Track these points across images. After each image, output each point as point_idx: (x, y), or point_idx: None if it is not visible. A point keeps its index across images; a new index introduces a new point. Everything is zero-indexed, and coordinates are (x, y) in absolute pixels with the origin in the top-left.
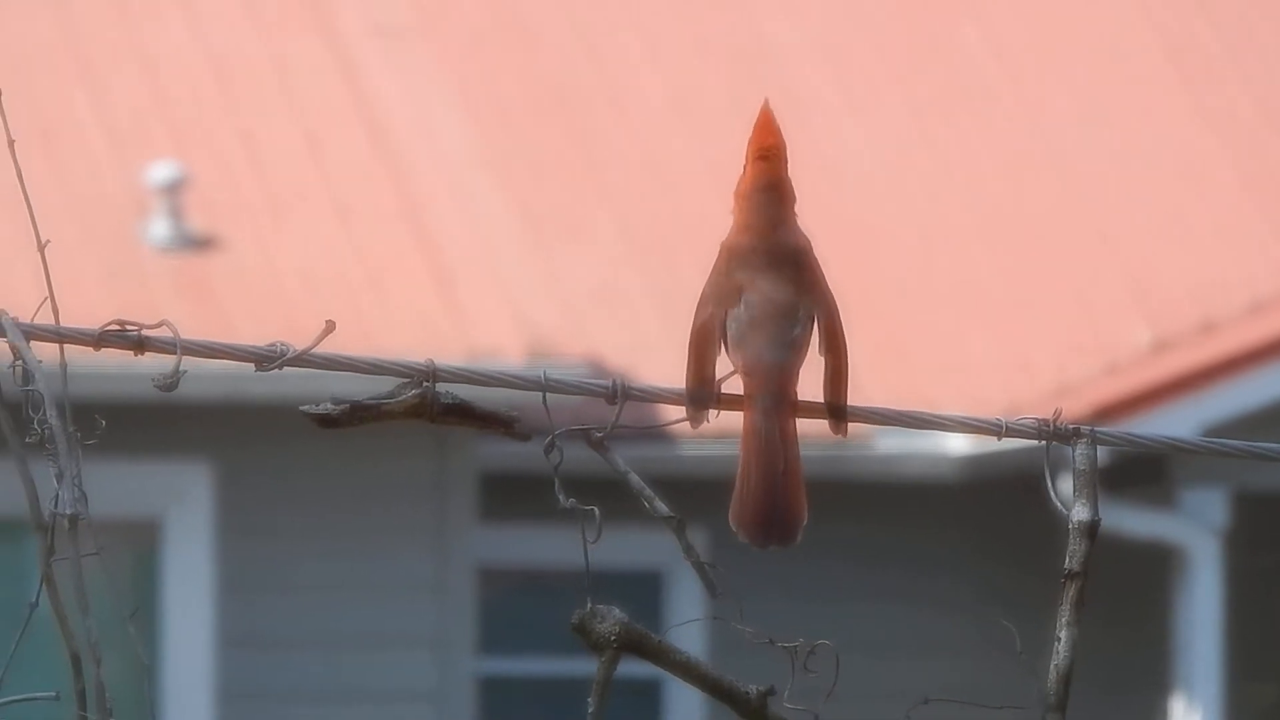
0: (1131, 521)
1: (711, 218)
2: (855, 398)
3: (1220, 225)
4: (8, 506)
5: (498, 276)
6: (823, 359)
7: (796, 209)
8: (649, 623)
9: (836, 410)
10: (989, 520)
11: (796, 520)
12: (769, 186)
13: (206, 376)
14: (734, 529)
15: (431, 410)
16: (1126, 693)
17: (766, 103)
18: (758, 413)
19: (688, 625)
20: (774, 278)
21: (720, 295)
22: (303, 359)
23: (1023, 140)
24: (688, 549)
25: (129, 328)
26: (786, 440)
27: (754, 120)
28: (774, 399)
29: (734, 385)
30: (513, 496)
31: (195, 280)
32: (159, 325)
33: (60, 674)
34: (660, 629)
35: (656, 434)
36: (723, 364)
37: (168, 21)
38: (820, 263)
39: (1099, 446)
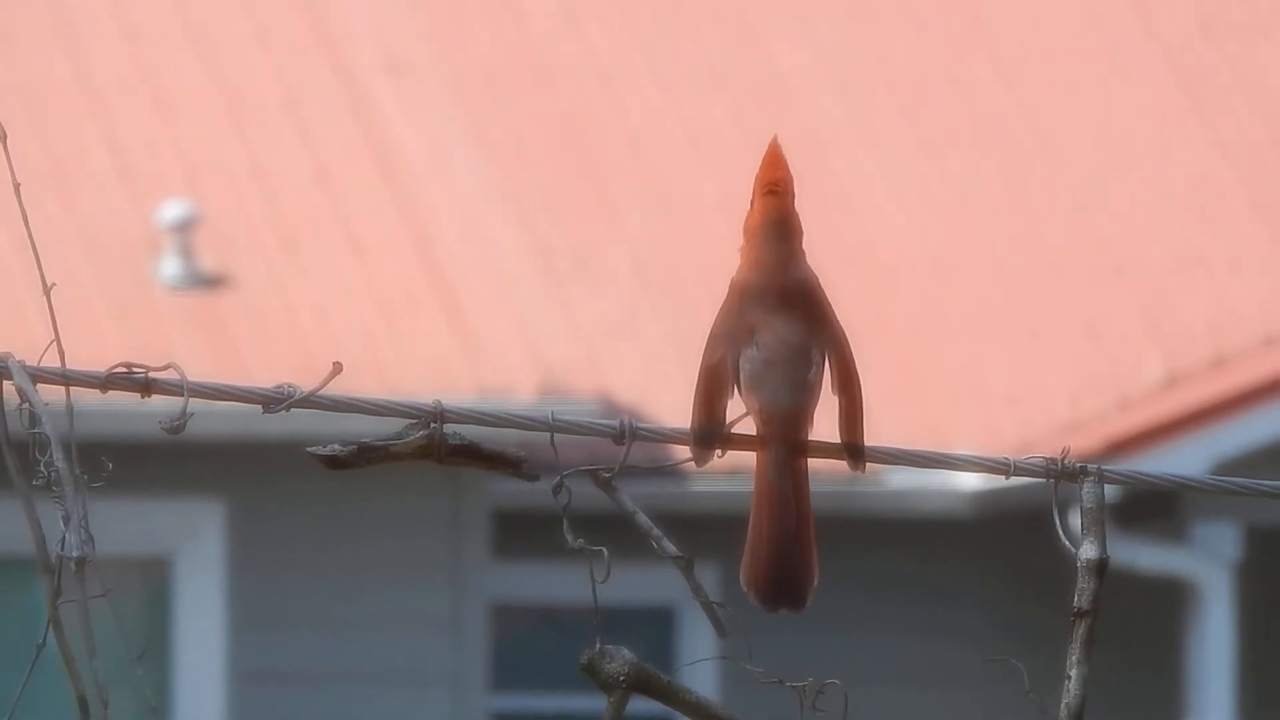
0: (1144, 556)
1: (726, 254)
2: (867, 430)
3: (1234, 258)
4: (17, 545)
5: (511, 313)
6: (837, 398)
7: (804, 243)
8: (661, 660)
9: (854, 450)
10: (1002, 555)
11: (806, 585)
12: (777, 222)
13: (218, 414)
14: (745, 590)
15: (439, 451)
16: None
17: (775, 139)
18: (771, 466)
19: (701, 663)
20: (786, 317)
21: (732, 335)
22: (310, 400)
23: (1036, 173)
24: (696, 588)
25: (136, 370)
26: (800, 497)
27: (768, 147)
28: (788, 447)
29: (744, 425)
30: (526, 533)
31: (207, 318)
32: (166, 368)
33: (71, 715)
34: (673, 666)
35: (667, 471)
36: (734, 405)
37: (180, 58)
38: (830, 298)
39: (1109, 483)
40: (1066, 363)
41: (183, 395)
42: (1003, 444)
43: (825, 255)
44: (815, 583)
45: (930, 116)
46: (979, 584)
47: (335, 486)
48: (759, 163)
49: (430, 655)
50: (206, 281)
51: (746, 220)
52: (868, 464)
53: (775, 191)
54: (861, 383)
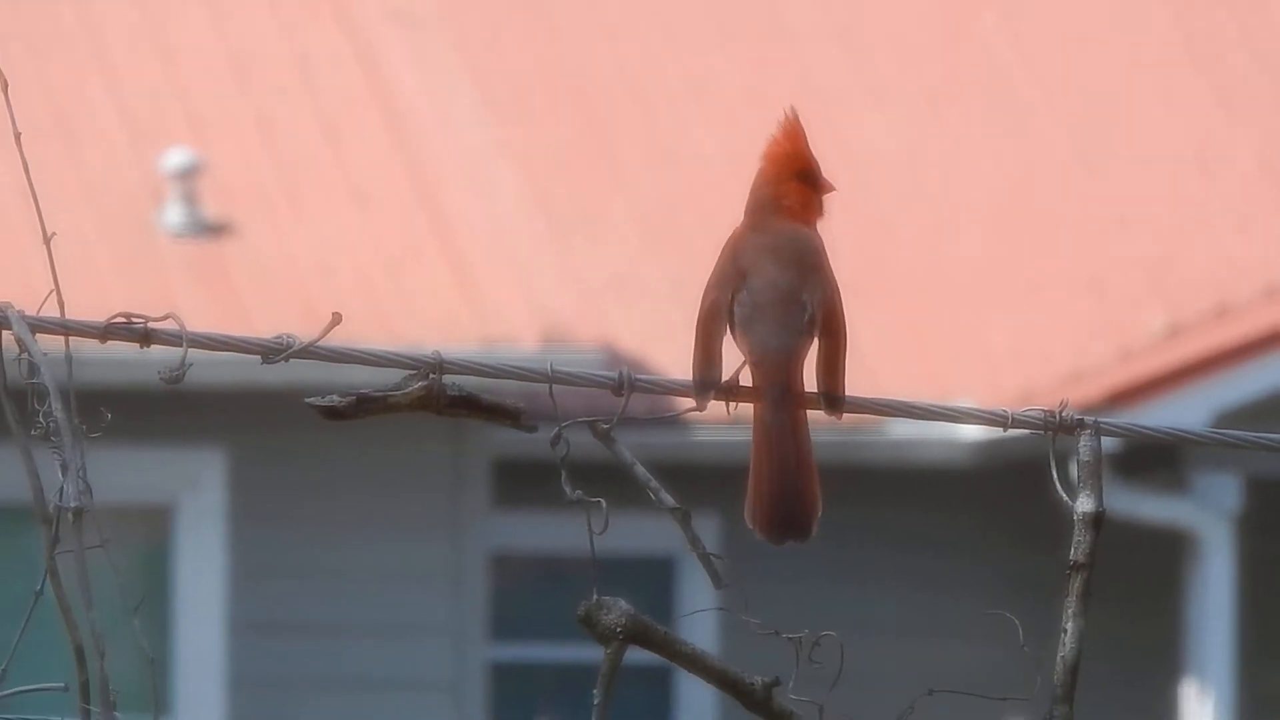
0: (1144, 507)
1: (728, 206)
2: (870, 383)
3: (1237, 210)
4: (16, 494)
5: (514, 264)
6: (819, 342)
7: (819, 213)
8: (660, 610)
9: (831, 396)
10: (1003, 505)
11: (811, 515)
12: (776, 184)
13: (219, 363)
14: (750, 526)
15: (438, 402)
16: (1139, 677)
17: (791, 110)
18: (767, 406)
19: (698, 614)
20: (778, 263)
21: (725, 280)
22: (309, 351)
23: (1039, 127)
24: (693, 540)
25: (135, 320)
26: (798, 433)
27: (769, 113)
28: (781, 390)
29: (744, 375)
30: (527, 483)
31: (210, 267)
32: (165, 318)
33: (69, 664)
34: (672, 615)
35: (667, 421)
36: (729, 348)
37: (186, 8)
38: (826, 252)
39: (1106, 435)
40: (1069, 314)
41: (182, 345)
42: (1004, 395)
43: (830, 210)
44: (819, 512)
45: (935, 70)
46: (979, 534)
47: (336, 436)
48: (766, 116)
49: (430, 605)
50: (210, 230)
51: (752, 186)
52: (847, 412)
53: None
54: (847, 332)
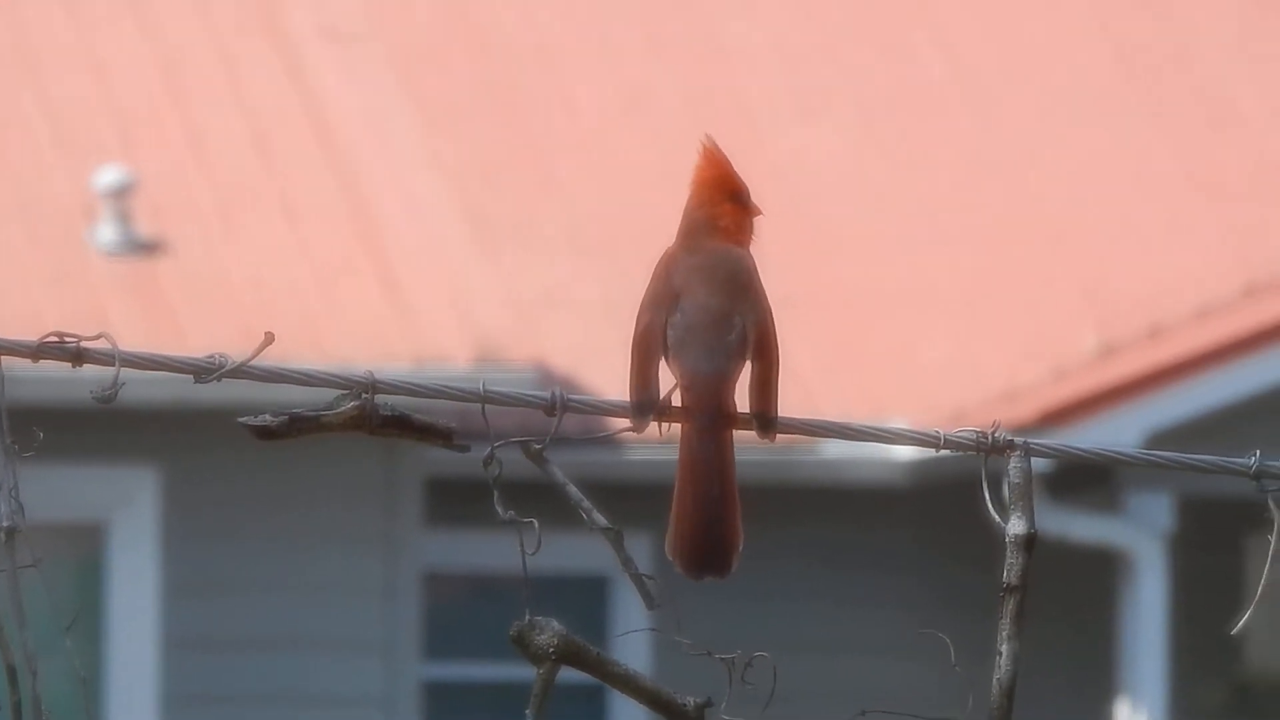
0: (1077, 526)
1: (662, 221)
2: (804, 401)
3: (1170, 229)
4: None
5: (447, 280)
6: (751, 364)
7: (751, 234)
8: (595, 629)
9: (763, 418)
10: (938, 524)
11: (730, 553)
12: (706, 207)
13: (152, 381)
14: (670, 558)
15: (370, 422)
16: (1073, 695)
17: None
18: (695, 434)
19: (633, 633)
20: (710, 285)
21: (658, 302)
22: (241, 371)
23: (973, 144)
24: (625, 560)
25: (67, 339)
26: (723, 467)
27: (704, 128)
28: (710, 416)
29: (677, 394)
30: (460, 501)
31: (143, 284)
32: (97, 337)
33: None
34: (606, 635)
35: (601, 441)
36: (665, 370)
37: (117, 22)
38: (759, 275)
39: (1036, 456)
40: (1003, 332)
41: (114, 365)
42: (939, 413)
43: (760, 223)
44: (739, 549)
45: (868, 86)
46: (914, 553)
47: (270, 453)
48: (699, 130)
49: (363, 623)
50: (143, 247)
51: (684, 210)
52: (780, 433)
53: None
54: (779, 353)
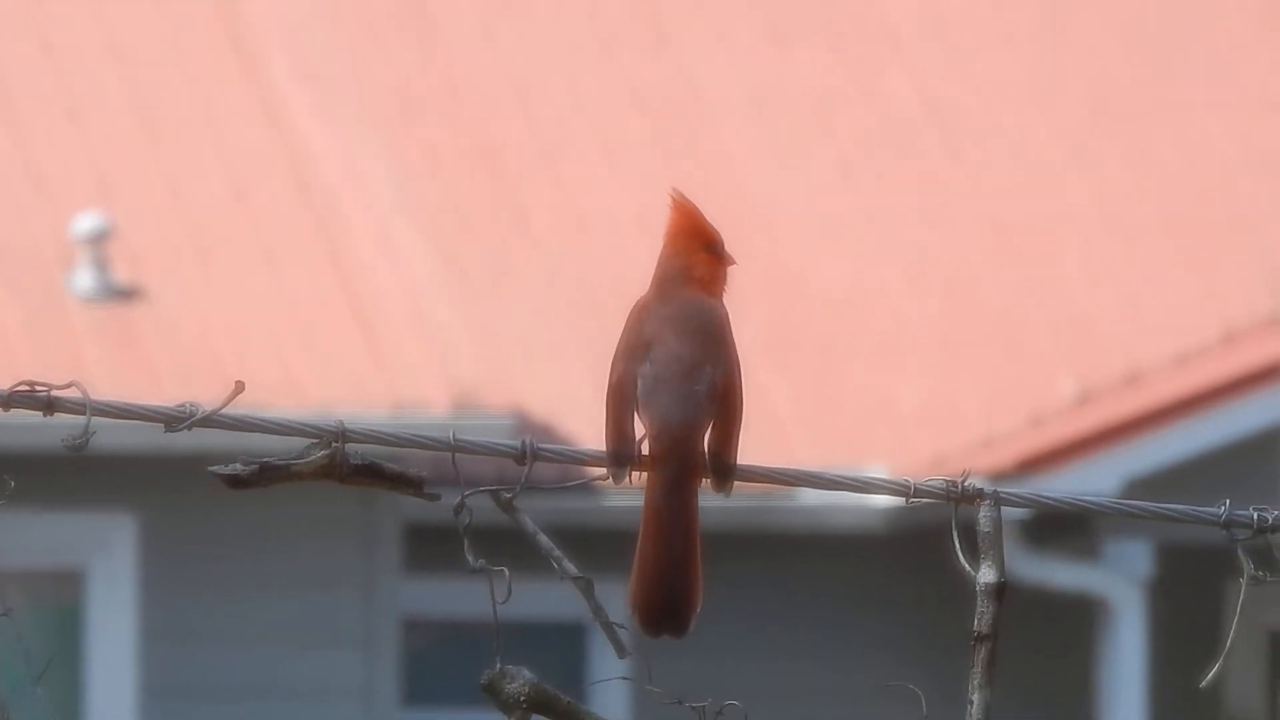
0: (1056, 573)
1: (639, 269)
2: (782, 448)
3: (1148, 277)
4: None
5: (424, 327)
6: (715, 416)
7: (724, 284)
8: (571, 676)
9: (721, 469)
10: (917, 571)
11: (689, 613)
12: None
13: (127, 427)
14: (629, 613)
15: (341, 471)
16: None
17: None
18: (659, 488)
19: (606, 681)
20: (681, 336)
21: (631, 352)
22: (211, 420)
23: (951, 189)
24: (596, 609)
25: (39, 388)
26: (687, 522)
27: (677, 179)
28: (677, 468)
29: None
30: (438, 547)
31: (120, 331)
32: (69, 385)
33: None
34: (583, 682)
35: (573, 488)
36: (639, 421)
37: (95, 69)
38: (731, 327)
39: (1006, 505)
40: (980, 379)
41: (84, 414)
42: (916, 460)
43: (740, 272)
44: (698, 609)
45: (845, 134)
46: (893, 600)
47: (247, 499)
48: (675, 178)
49: (342, 669)
50: (120, 294)
51: (675, 261)
52: (750, 486)
53: (679, 237)
54: (743, 407)
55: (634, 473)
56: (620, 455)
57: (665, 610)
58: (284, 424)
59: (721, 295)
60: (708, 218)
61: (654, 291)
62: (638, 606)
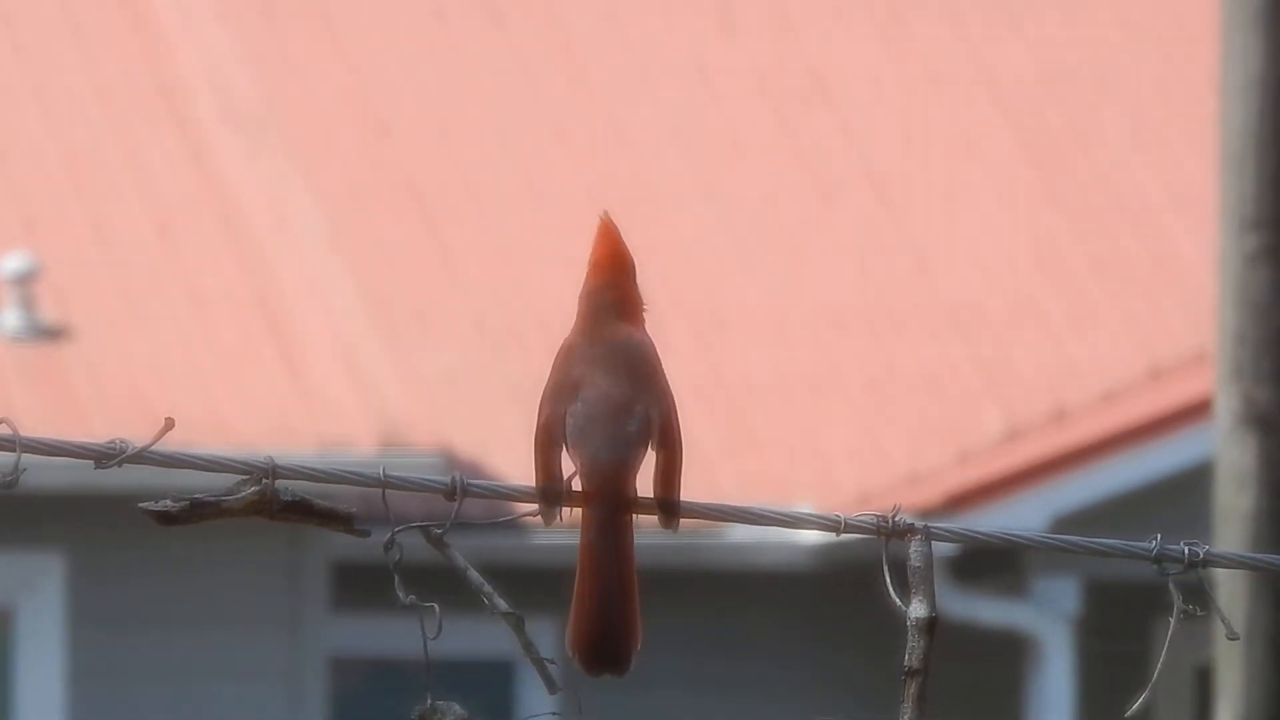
0: (984, 609)
1: (565, 306)
2: (708, 485)
3: (1073, 314)
4: None
5: (351, 365)
6: (655, 454)
7: (645, 312)
8: (500, 713)
9: (667, 505)
10: (844, 607)
11: (628, 651)
12: (603, 289)
13: (56, 466)
14: (569, 653)
15: (271, 507)
16: None
17: (604, 215)
18: (593, 526)
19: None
20: (610, 373)
21: (558, 394)
22: (141, 456)
23: (875, 226)
24: (526, 645)
25: None
26: (622, 558)
27: (599, 223)
28: (610, 505)
29: (578, 481)
30: (366, 585)
31: (47, 370)
32: None
33: None
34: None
35: (503, 525)
36: (567, 461)
37: (20, 109)
38: (661, 361)
39: (937, 540)
40: (906, 416)
41: (14, 451)
42: (842, 497)
43: (665, 310)
44: (637, 647)
45: (769, 170)
46: (821, 638)
47: (176, 537)
48: (601, 213)
49: (269, 708)
50: (46, 333)
51: (581, 291)
52: (682, 520)
53: (602, 266)
54: (682, 442)
55: (565, 511)
56: (549, 493)
57: (605, 650)
58: (214, 460)
59: (644, 324)
60: (628, 246)
61: (580, 327)
62: (578, 647)
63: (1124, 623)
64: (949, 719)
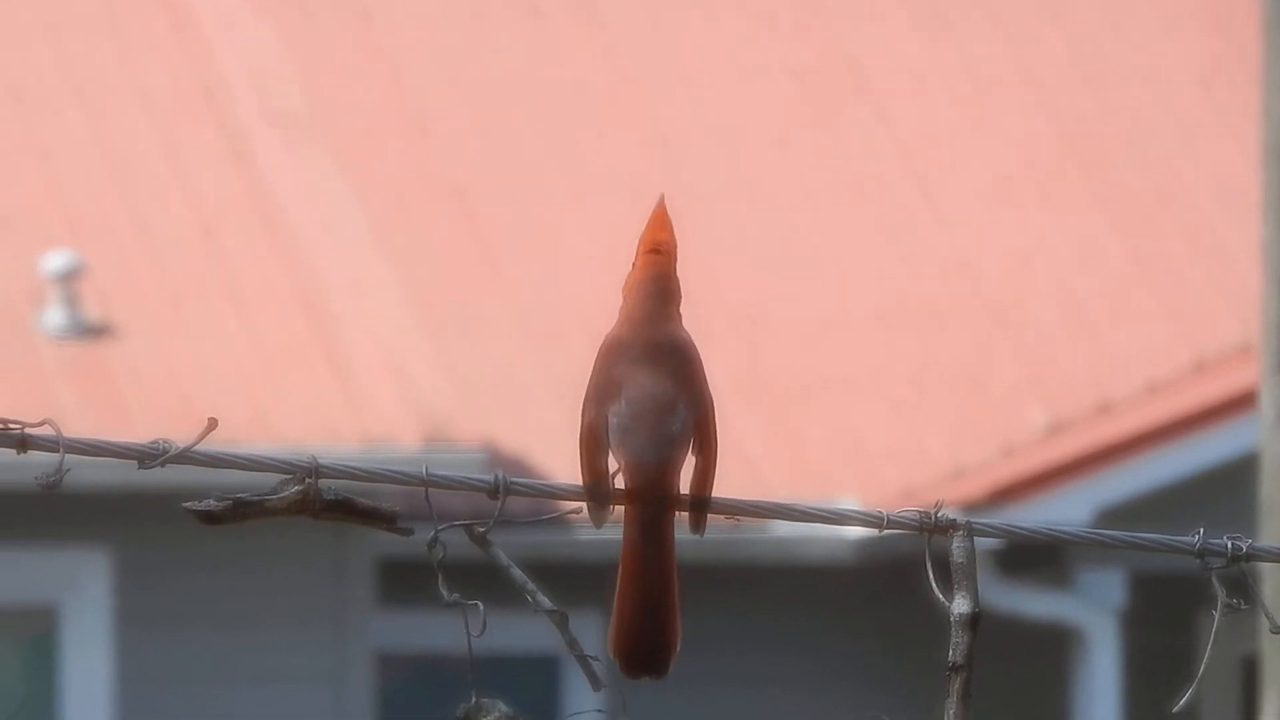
0: (1029, 603)
1: (608, 305)
2: (754, 481)
3: (1117, 307)
4: None
5: (394, 364)
6: (693, 457)
7: (681, 307)
8: (547, 709)
9: (698, 508)
10: (890, 600)
11: (669, 654)
12: (656, 280)
13: (103, 464)
14: (610, 656)
15: (314, 506)
16: None
17: (662, 198)
18: (636, 526)
19: (584, 713)
20: (653, 372)
21: (602, 393)
22: (184, 456)
23: (918, 224)
24: (570, 642)
25: (12, 426)
26: (664, 559)
27: (649, 212)
28: (654, 506)
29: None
30: (412, 581)
31: (91, 369)
32: (42, 423)
33: None
34: (557, 715)
35: (548, 522)
36: (612, 461)
37: (62, 110)
38: (702, 360)
39: (979, 536)
40: (950, 412)
41: (58, 451)
42: (887, 492)
43: (709, 309)
44: (677, 649)
45: (811, 168)
46: (866, 631)
47: (220, 535)
48: (646, 215)
49: (315, 705)
50: (90, 331)
51: (626, 280)
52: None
53: (658, 252)
54: (718, 444)
55: (612, 511)
56: (596, 492)
57: (646, 652)
58: (257, 460)
59: (676, 309)
60: (672, 231)
61: (628, 319)
62: (618, 651)
63: (1170, 615)
64: (995, 712)
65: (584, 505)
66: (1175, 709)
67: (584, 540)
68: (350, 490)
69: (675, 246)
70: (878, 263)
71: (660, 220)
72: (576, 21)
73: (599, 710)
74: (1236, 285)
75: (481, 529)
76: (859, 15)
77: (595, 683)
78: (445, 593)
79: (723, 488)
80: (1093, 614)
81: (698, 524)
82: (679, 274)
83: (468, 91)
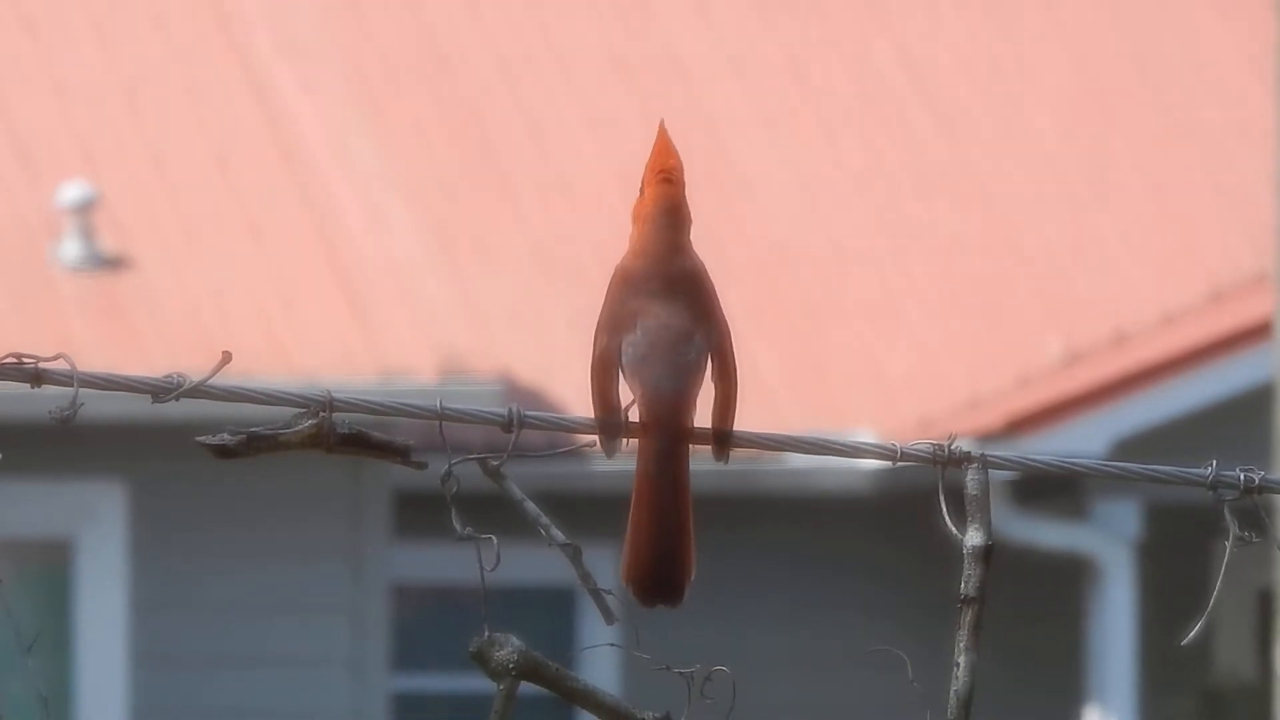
0: (1044, 533)
1: (623, 236)
2: (769, 412)
3: (1132, 237)
4: None
5: (410, 296)
6: (713, 386)
7: (696, 230)
8: (562, 641)
9: (722, 438)
10: (903, 532)
11: (683, 582)
12: (666, 209)
13: (117, 396)
14: (623, 584)
15: (328, 440)
16: (1041, 703)
17: (662, 125)
18: (651, 456)
19: (596, 648)
20: (669, 303)
21: (615, 323)
22: (199, 390)
23: (934, 155)
24: (584, 576)
25: (26, 360)
26: (679, 489)
27: (657, 133)
28: (670, 435)
29: (635, 411)
30: (427, 514)
31: (107, 301)
32: (56, 358)
33: None
34: (573, 646)
35: (562, 454)
36: (624, 390)
37: (78, 43)
38: (716, 288)
39: (993, 469)
40: (966, 342)
41: (71, 385)
42: (903, 422)
43: (723, 238)
44: (691, 579)
45: (828, 99)
46: (880, 563)
47: (235, 468)
48: (655, 141)
49: (331, 636)
50: (106, 263)
51: (635, 207)
52: (736, 450)
53: (667, 180)
54: (738, 374)
55: (625, 441)
56: (607, 424)
57: (660, 581)
58: (271, 394)
59: (687, 235)
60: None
61: (639, 249)
62: (633, 578)
63: (1186, 545)
64: (1008, 644)
65: (597, 438)
66: (1184, 641)
67: (599, 472)
68: (364, 424)
69: (682, 171)
70: (895, 193)
71: (666, 146)
72: None
73: (612, 644)
74: (1252, 215)
75: (495, 462)
76: (910, 4)
77: (609, 616)
78: (459, 527)
79: (738, 419)
80: (1108, 545)
81: (722, 453)
82: (687, 200)
83: (485, 24)
